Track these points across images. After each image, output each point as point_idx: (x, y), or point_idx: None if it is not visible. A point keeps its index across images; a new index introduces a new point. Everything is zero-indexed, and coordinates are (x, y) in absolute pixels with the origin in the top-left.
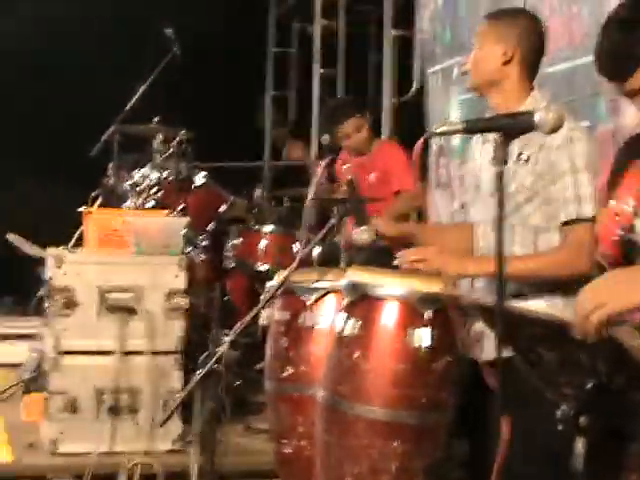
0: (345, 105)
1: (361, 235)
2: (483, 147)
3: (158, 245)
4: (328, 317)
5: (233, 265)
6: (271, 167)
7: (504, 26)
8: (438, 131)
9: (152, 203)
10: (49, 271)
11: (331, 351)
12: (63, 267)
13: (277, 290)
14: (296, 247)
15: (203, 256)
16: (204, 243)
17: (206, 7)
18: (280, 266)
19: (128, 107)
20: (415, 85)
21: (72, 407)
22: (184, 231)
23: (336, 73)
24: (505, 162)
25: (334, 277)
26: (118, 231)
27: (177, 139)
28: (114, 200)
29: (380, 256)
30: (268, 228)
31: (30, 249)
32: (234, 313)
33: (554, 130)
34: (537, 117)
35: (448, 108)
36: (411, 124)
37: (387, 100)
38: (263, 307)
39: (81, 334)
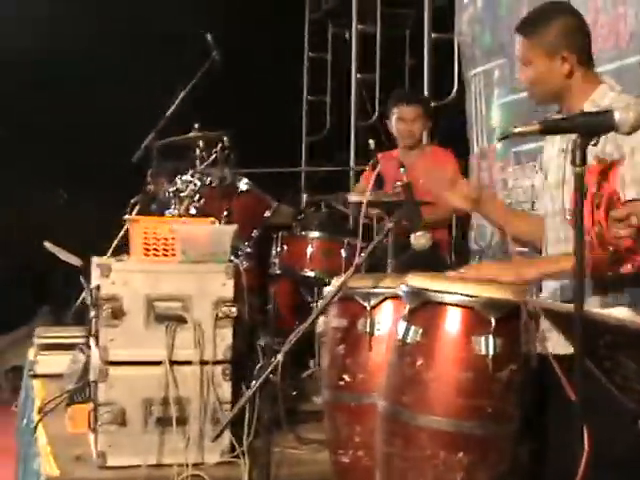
0: (417, 93)
1: (419, 240)
2: (554, 137)
3: (205, 253)
4: (387, 324)
5: (279, 272)
6: (309, 173)
7: (545, 35)
8: (516, 131)
9: (194, 210)
10: (95, 280)
11: (392, 359)
12: (111, 276)
13: (334, 296)
14: (344, 252)
15: (248, 263)
16: (249, 250)
17: (238, 12)
18: (327, 272)
19: (168, 113)
20: (455, 88)
21: (120, 419)
22: (231, 239)
23: (374, 78)
24: (584, 162)
25: (391, 283)
26: (165, 239)
27: (220, 145)
28: (154, 207)
29: (422, 259)
30: (314, 234)
31: (67, 257)
32: (279, 320)
33: (634, 130)
34: (617, 116)
35: (489, 111)
36: (451, 128)
37: None
38: (320, 314)
39: (129, 344)
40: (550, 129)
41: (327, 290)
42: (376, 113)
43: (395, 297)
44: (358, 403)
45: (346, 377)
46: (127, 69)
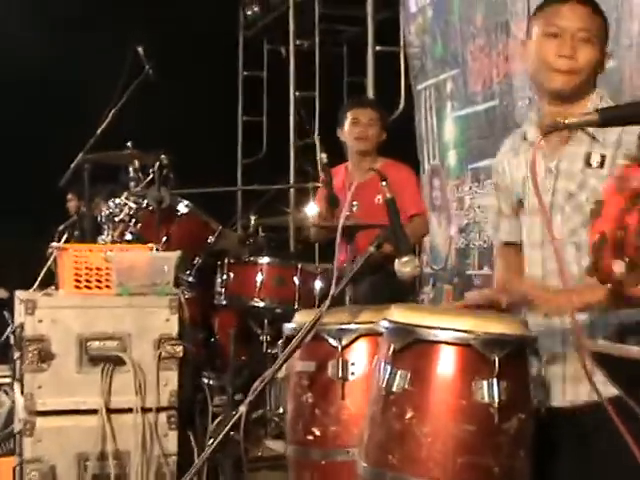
0: (371, 98)
1: (405, 267)
2: (516, 159)
3: (145, 284)
4: (361, 366)
5: (224, 302)
6: (245, 195)
7: (605, 21)
8: (569, 122)
9: (130, 236)
10: (19, 318)
11: (373, 411)
12: (36, 313)
13: (307, 334)
14: (297, 280)
15: (189, 293)
16: (190, 279)
17: (174, 26)
18: (279, 301)
19: (99, 132)
20: (401, 104)
21: (50, 478)
22: (175, 267)
23: (313, 96)
24: None
25: (366, 317)
26: (98, 269)
27: (157, 164)
28: (84, 235)
29: (382, 287)
30: (264, 260)
31: None
32: (224, 355)
33: None
34: None
35: (442, 125)
36: (399, 144)
37: None
38: (288, 357)
39: (59, 391)
40: (611, 119)
41: (288, 327)
42: (316, 132)
43: (370, 334)
44: (330, 460)
45: (315, 430)
46: (52, 83)
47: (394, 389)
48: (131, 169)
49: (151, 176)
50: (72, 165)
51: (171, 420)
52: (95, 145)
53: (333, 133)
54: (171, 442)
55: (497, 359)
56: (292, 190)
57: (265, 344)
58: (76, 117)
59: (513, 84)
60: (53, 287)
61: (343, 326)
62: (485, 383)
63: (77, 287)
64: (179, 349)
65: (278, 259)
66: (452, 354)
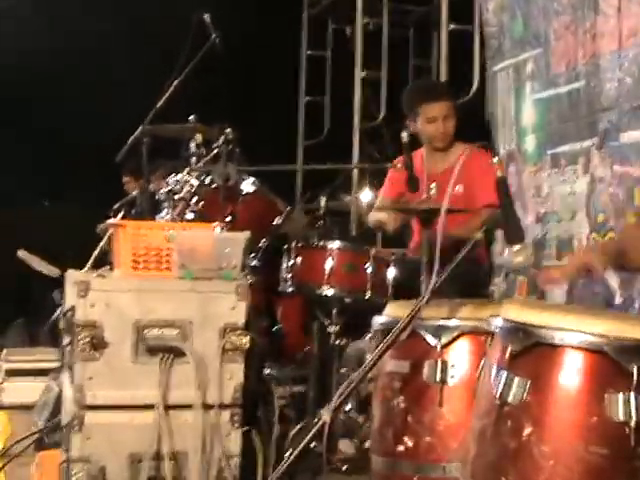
0: (441, 85)
1: (517, 256)
2: None
3: (210, 267)
4: (463, 368)
5: (292, 289)
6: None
7: None
8: None
9: (192, 215)
10: (70, 300)
11: (482, 424)
12: (89, 296)
13: (403, 330)
14: (370, 267)
15: (254, 278)
16: (254, 262)
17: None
18: (350, 290)
19: (160, 104)
20: (475, 85)
21: (100, 479)
22: (243, 249)
23: (379, 76)
24: None
25: (470, 313)
26: (159, 249)
27: (222, 138)
28: (142, 214)
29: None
30: (335, 244)
31: (42, 266)
32: (285, 345)
33: None
34: None
35: (520, 109)
36: (471, 129)
37: None
38: (380, 356)
39: (112, 383)
40: None
41: (378, 320)
42: (382, 114)
43: (473, 332)
44: (423, 476)
45: (407, 440)
46: (113, 53)
47: (510, 399)
48: (193, 144)
49: (215, 151)
50: (130, 139)
51: (234, 419)
52: (155, 119)
53: (399, 115)
54: (234, 442)
55: (636, 369)
56: (356, 173)
57: (333, 335)
58: (136, 89)
59: (600, 64)
60: (108, 268)
61: (442, 322)
62: (620, 397)
63: (134, 268)
64: (245, 340)
65: (350, 244)
66: (581, 361)
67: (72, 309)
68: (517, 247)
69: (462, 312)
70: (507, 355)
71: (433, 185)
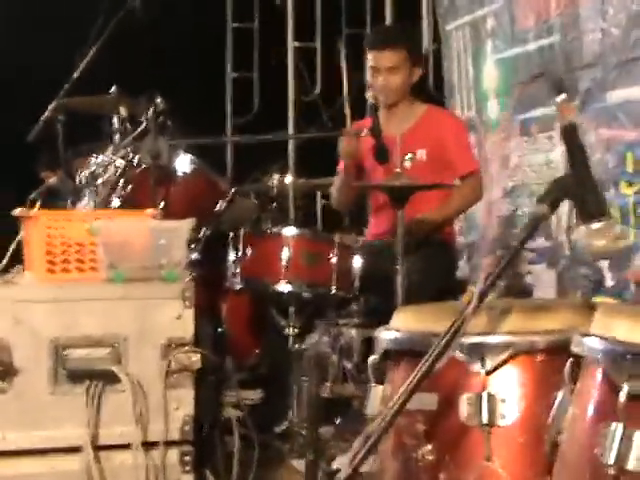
0: (393, 30)
1: (597, 238)
2: None
3: (146, 266)
4: (517, 404)
5: (241, 285)
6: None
7: None
8: None
9: (117, 202)
10: None
11: None
12: None
13: (441, 355)
14: (334, 257)
15: (192, 274)
16: (194, 255)
17: None
18: (311, 285)
19: (75, 76)
20: (426, 45)
21: None
22: (185, 242)
23: (314, 47)
24: None
25: (521, 322)
26: (80, 245)
27: (151, 110)
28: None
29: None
30: (291, 231)
31: None
32: (231, 351)
33: None
34: None
35: (480, 71)
36: (424, 93)
37: None
38: (410, 394)
39: (25, 422)
40: None
41: (386, 336)
42: (318, 86)
43: (531, 351)
44: None
45: None
46: (18, 21)
47: (631, 466)
48: (115, 119)
49: (144, 125)
50: (43, 116)
51: (185, 459)
52: (70, 92)
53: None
54: None
55: None
56: (292, 152)
57: (292, 338)
58: (47, 60)
59: (580, 14)
60: (18, 270)
61: (484, 338)
62: None
63: (50, 271)
64: (195, 359)
65: (309, 230)
66: None
67: None
68: (597, 225)
69: (511, 322)
70: (622, 398)
71: (409, 156)
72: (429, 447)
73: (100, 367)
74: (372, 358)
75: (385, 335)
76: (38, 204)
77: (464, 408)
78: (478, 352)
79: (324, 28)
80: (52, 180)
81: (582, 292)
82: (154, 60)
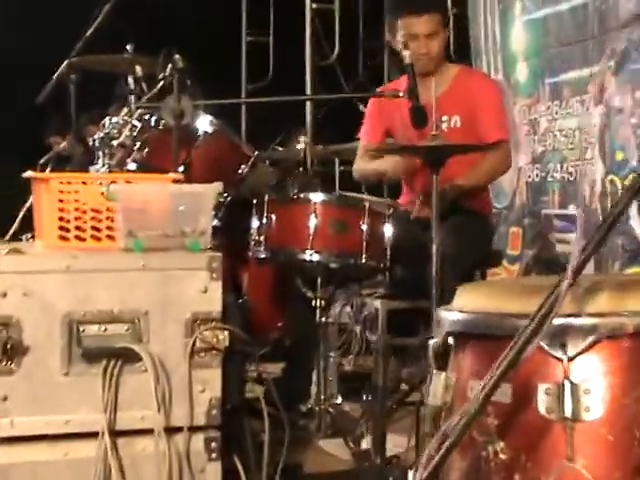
0: None
1: None
2: None
3: (168, 234)
4: (606, 395)
5: (266, 255)
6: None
7: None
8: None
9: (133, 165)
10: None
11: None
12: None
13: (537, 331)
14: (365, 226)
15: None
16: (215, 222)
17: None
18: (340, 255)
19: (88, 34)
20: (450, 10)
21: None
22: (211, 209)
23: (332, 8)
24: None
25: (613, 301)
26: (96, 211)
27: (170, 68)
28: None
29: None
30: (319, 197)
31: None
32: (253, 323)
33: None
34: None
35: (507, 32)
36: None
37: None
38: (492, 390)
39: (36, 405)
40: None
41: (449, 318)
42: (336, 51)
43: (619, 335)
44: None
45: None
46: None
47: None
48: (130, 79)
49: (161, 83)
50: (54, 76)
51: (211, 446)
52: (83, 51)
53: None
54: (211, 477)
55: None
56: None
57: (318, 310)
58: (60, 19)
59: None
60: (28, 238)
61: (566, 320)
62: None
63: (63, 239)
64: (223, 336)
65: (337, 196)
66: None
67: None
68: None
69: (597, 301)
70: None
71: (445, 118)
72: (502, 444)
73: (118, 345)
74: (434, 342)
75: (449, 315)
76: (48, 170)
77: (542, 400)
78: (559, 336)
79: None
80: (62, 146)
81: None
82: (167, 22)
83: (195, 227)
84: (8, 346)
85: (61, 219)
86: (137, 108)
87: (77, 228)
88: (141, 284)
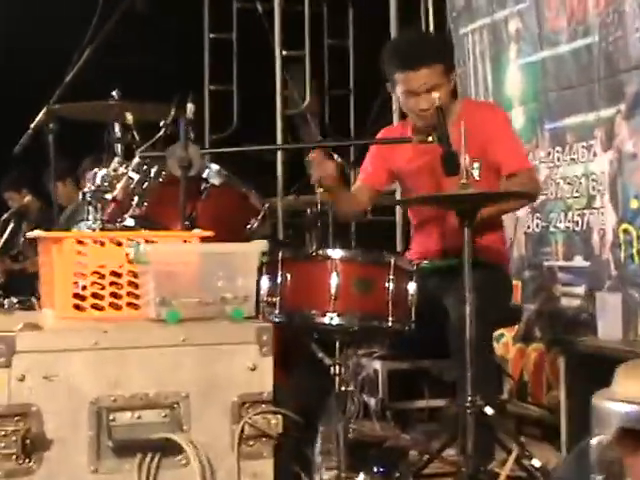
0: (426, 43)
1: None
2: None
3: (206, 301)
4: None
5: (279, 319)
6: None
7: None
8: None
9: (131, 221)
10: None
11: None
12: (14, 363)
13: None
14: (391, 284)
15: None
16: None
17: None
18: (363, 317)
19: (67, 79)
20: None
21: None
22: (255, 270)
23: (303, 55)
24: None
25: None
26: (117, 275)
27: (172, 115)
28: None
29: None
30: (338, 253)
31: None
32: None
33: None
34: None
35: (501, 77)
36: None
37: None
38: None
39: None
40: None
41: (624, 411)
42: (307, 99)
43: None
44: None
45: None
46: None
47: None
48: (117, 127)
49: (162, 131)
50: (32, 125)
51: None
52: (63, 98)
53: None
54: None
55: None
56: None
57: (337, 379)
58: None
59: (625, 11)
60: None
61: None
62: None
63: (78, 308)
64: (276, 421)
65: (360, 251)
66: None
67: None
68: None
69: None
70: None
71: (476, 165)
72: None
73: (155, 435)
74: (599, 438)
75: (618, 408)
76: (11, 226)
77: None
78: None
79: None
80: (27, 199)
81: None
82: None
83: (236, 291)
84: (27, 441)
85: (76, 285)
86: (141, 157)
87: (94, 295)
88: (181, 362)
